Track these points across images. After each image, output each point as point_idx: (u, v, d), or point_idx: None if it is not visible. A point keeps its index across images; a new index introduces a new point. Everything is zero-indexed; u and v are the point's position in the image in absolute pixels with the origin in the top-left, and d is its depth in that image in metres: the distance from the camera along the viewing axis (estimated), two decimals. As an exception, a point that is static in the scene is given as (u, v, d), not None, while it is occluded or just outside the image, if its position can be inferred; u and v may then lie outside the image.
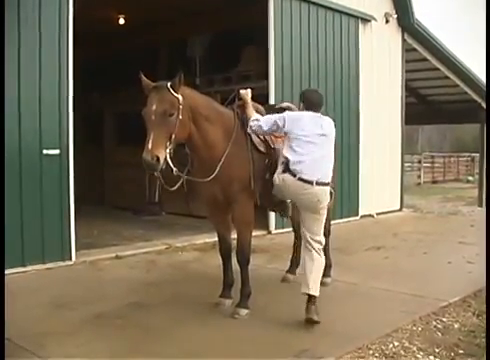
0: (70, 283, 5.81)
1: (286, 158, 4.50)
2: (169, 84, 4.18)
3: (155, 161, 4.00)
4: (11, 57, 5.95)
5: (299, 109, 4.88)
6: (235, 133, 4.69)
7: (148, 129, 4.12)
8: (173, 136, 4.13)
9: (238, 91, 5.00)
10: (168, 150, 4.11)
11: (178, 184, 4.48)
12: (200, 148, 4.55)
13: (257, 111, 4.94)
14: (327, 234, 5.80)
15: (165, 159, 4.08)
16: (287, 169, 4.49)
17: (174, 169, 4.27)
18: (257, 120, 4.70)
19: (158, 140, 4.05)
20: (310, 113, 4.67)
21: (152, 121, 4.10)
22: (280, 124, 4.59)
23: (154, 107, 4.12)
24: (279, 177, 4.56)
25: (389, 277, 6.01)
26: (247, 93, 4.95)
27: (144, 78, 4.32)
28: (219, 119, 4.64)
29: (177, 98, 4.18)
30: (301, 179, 4.43)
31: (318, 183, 4.45)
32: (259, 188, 4.75)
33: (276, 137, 4.91)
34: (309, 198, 4.48)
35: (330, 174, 4.61)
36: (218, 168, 4.50)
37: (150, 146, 4.01)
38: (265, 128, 4.65)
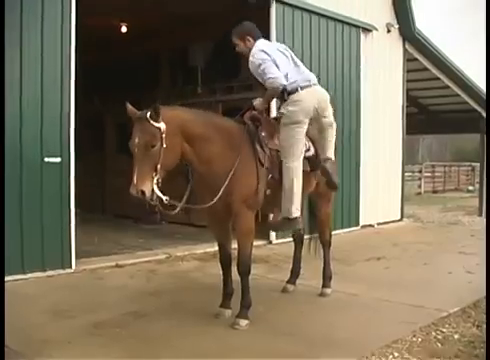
0: (70, 291, 5.81)
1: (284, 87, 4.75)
2: (148, 114, 4.09)
3: (141, 195, 4.00)
4: (12, 64, 5.98)
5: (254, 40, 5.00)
6: (242, 148, 4.61)
7: (133, 162, 4.11)
8: (158, 166, 4.08)
9: (252, 103, 5.03)
10: (155, 180, 4.08)
11: (178, 209, 4.39)
12: (198, 166, 4.50)
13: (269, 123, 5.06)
14: (327, 245, 5.83)
15: (152, 191, 4.05)
16: (289, 91, 4.80)
17: (164, 198, 4.16)
18: (272, 78, 4.70)
19: (142, 173, 4.04)
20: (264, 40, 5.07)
21: (135, 154, 4.10)
22: (271, 59, 4.76)
23: (136, 140, 4.10)
24: (293, 101, 4.82)
25: (389, 287, 6.00)
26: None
27: (130, 107, 4.25)
28: (219, 135, 4.55)
29: (158, 128, 4.09)
30: (306, 86, 4.86)
31: (315, 84, 4.99)
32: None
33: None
34: (324, 99, 5.06)
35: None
36: (221, 191, 4.44)
37: (135, 180, 4.01)
38: (280, 76, 4.73)
